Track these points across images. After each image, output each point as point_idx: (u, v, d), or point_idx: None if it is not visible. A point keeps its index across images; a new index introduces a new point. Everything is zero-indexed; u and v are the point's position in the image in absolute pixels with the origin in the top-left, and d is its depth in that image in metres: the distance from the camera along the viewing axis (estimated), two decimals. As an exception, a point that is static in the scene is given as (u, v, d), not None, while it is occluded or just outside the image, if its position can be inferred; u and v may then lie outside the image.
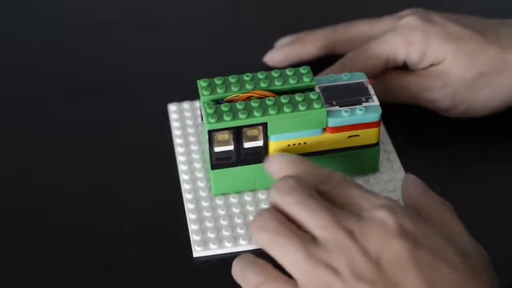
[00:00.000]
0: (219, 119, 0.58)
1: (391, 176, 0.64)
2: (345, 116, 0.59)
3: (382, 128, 0.67)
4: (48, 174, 0.65)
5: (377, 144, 0.62)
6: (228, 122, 0.58)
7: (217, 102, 0.60)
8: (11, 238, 0.61)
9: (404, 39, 0.66)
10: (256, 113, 0.58)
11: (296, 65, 0.69)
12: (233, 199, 0.62)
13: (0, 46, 0.78)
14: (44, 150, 0.67)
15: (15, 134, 0.68)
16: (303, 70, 0.61)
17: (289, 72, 0.61)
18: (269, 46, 0.74)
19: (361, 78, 0.62)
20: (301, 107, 0.59)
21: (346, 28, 0.72)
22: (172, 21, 0.80)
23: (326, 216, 0.49)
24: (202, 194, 0.63)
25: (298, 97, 0.59)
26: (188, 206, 0.62)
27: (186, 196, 0.63)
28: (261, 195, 0.62)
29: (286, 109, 0.59)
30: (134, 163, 0.66)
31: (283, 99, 0.59)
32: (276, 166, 0.55)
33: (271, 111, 0.58)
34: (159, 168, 0.65)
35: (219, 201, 0.62)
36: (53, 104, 0.71)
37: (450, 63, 0.65)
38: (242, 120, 0.58)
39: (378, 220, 0.49)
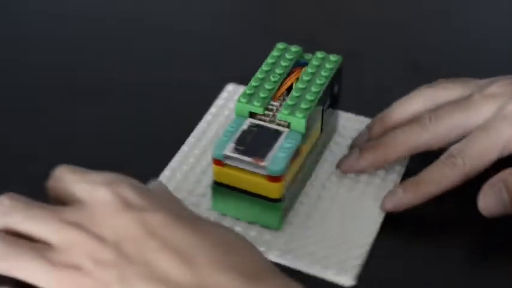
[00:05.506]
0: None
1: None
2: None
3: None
4: (48, 174, 0.65)
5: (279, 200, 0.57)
6: None
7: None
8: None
9: None
10: None
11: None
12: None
13: (0, 46, 0.78)
14: (43, 150, 0.67)
15: (16, 134, 0.69)
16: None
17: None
18: (269, 46, 0.74)
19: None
20: None
21: (437, 122, 0.61)
22: (179, 23, 0.81)
23: (51, 219, 0.47)
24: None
25: None
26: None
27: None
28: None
29: None
30: (135, 165, 0.66)
31: None
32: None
33: None
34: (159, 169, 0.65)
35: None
36: (52, 104, 0.71)
37: None
38: None
39: (99, 201, 0.47)
